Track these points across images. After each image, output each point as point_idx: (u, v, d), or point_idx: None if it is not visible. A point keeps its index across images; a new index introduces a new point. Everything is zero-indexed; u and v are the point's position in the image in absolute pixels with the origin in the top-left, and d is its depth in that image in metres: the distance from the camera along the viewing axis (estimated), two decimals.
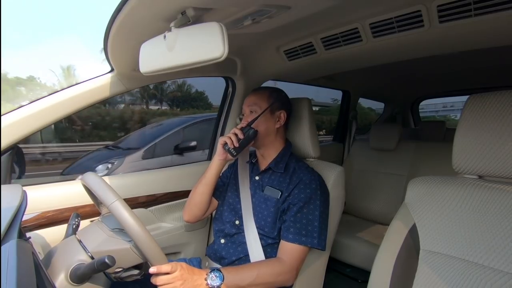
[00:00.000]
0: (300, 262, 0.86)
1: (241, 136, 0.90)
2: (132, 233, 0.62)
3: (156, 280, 0.70)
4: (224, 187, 1.08)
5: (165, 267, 0.69)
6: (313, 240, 0.85)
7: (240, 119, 1.01)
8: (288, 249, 0.85)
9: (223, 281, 0.75)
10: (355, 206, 1.91)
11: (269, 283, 0.82)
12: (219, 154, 0.95)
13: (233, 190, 1.03)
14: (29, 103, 0.87)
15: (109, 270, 0.68)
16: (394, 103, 2.91)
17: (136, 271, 0.72)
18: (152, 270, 0.68)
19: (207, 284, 0.74)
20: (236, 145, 0.90)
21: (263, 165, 1.01)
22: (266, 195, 0.94)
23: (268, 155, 1.00)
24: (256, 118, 0.93)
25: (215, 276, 0.76)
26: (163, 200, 1.21)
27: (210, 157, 1.45)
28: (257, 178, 1.00)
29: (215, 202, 1.08)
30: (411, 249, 0.71)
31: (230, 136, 0.91)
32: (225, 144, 0.91)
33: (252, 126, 0.93)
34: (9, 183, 0.90)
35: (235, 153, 0.90)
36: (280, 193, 0.92)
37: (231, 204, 1.01)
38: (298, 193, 0.89)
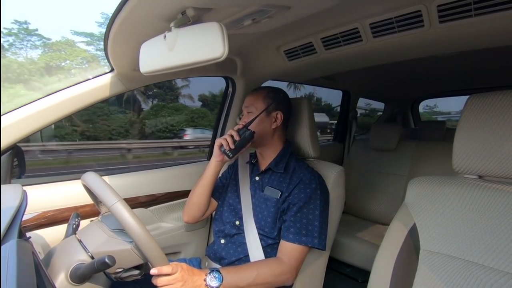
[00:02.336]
0: (300, 262, 0.86)
1: (237, 138, 0.90)
2: (133, 235, 0.62)
3: (157, 281, 0.70)
4: (224, 188, 1.07)
5: (166, 269, 0.69)
6: (313, 239, 0.85)
7: (240, 119, 1.01)
8: (288, 249, 0.85)
9: (222, 282, 0.75)
10: (355, 206, 1.91)
11: (269, 283, 0.82)
12: (215, 156, 0.95)
13: (233, 190, 1.03)
14: (29, 103, 0.88)
15: (109, 270, 0.68)
16: (394, 103, 2.91)
17: (136, 271, 0.72)
18: (153, 271, 0.68)
19: (206, 285, 0.74)
20: (232, 147, 0.89)
21: (263, 165, 1.01)
22: (266, 195, 0.94)
23: (267, 155, 1.00)
24: (253, 120, 0.93)
25: (214, 277, 0.76)
26: (163, 200, 1.21)
27: (209, 157, 1.44)
28: (257, 178, 1.00)
29: (214, 203, 1.07)
30: (411, 249, 0.71)
31: (226, 137, 0.90)
32: (221, 145, 0.91)
33: (249, 127, 0.92)
34: (9, 183, 0.90)
35: (231, 155, 0.90)
36: (280, 193, 0.92)
37: (231, 204, 1.01)
38: (298, 193, 0.89)
